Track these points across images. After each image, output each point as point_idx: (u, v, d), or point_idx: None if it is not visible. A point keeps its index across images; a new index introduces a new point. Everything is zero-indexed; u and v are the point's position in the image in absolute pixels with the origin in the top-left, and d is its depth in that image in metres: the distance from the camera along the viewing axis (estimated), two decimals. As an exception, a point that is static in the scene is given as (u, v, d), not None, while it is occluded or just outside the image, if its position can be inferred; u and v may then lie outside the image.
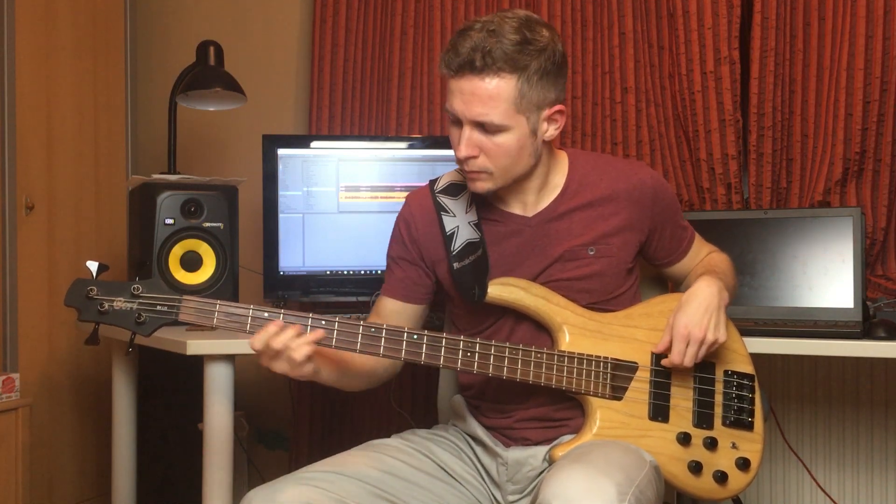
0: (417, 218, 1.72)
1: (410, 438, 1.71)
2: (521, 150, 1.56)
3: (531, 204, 1.67)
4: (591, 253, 1.65)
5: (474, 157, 1.56)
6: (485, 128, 1.53)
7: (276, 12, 3.03)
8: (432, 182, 1.75)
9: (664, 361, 1.61)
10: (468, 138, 1.54)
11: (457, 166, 1.64)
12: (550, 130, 1.59)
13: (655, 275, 1.91)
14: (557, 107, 1.57)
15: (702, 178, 2.48)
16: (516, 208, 1.68)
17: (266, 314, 1.48)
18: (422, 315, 1.75)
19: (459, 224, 1.68)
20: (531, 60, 1.50)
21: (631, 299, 1.72)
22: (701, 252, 1.82)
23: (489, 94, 1.50)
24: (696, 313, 1.57)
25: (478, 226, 1.68)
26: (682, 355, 1.57)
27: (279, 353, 1.44)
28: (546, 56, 1.52)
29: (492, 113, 1.51)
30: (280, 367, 1.46)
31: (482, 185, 1.59)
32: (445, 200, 1.71)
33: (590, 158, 1.72)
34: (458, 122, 1.55)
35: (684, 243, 1.78)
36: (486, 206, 1.69)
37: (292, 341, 1.44)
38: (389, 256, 1.76)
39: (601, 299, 1.67)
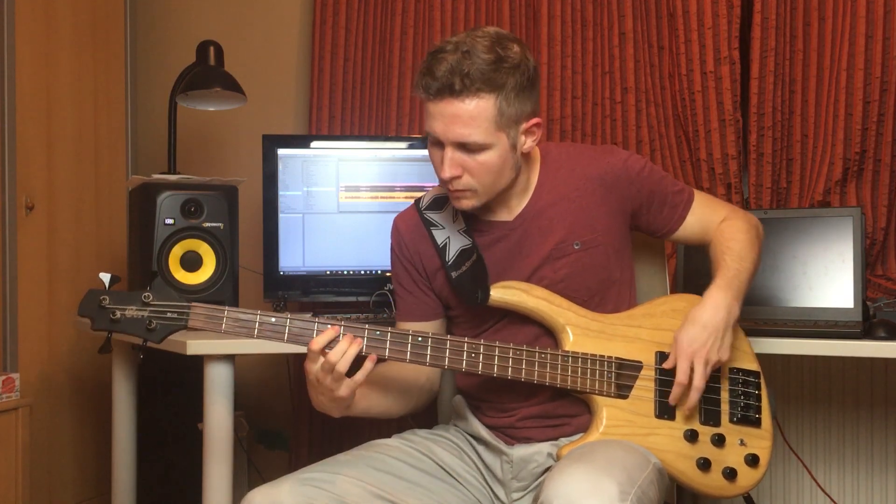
0: (406, 237, 1.74)
1: (411, 438, 1.71)
2: (503, 165, 1.57)
3: (514, 207, 1.68)
4: (578, 247, 1.65)
5: (458, 177, 1.57)
6: (467, 147, 1.54)
7: (276, 12, 3.02)
8: (417, 201, 1.77)
9: (673, 391, 1.60)
10: (451, 159, 1.55)
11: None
12: (528, 143, 1.61)
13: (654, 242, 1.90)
14: (534, 119, 1.59)
15: (702, 178, 2.48)
16: (502, 215, 1.69)
17: (273, 319, 1.49)
18: (440, 332, 1.74)
19: (450, 235, 1.70)
20: (507, 78, 1.52)
21: (629, 283, 1.72)
22: (710, 212, 1.75)
23: (470, 115, 1.51)
24: (701, 334, 1.57)
25: (467, 232, 1.69)
26: (687, 375, 1.57)
27: (333, 364, 1.46)
28: (521, 72, 1.53)
29: (474, 133, 1.52)
30: (327, 382, 1.48)
31: (467, 203, 1.61)
32: (432, 215, 1.73)
33: (561, 150, 1.73)
34: (440, 144, 1.56)
35: (680, 208, 1.73)
36: (470, 217, 1.70)
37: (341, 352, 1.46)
38: (395, 283, 1.77)
39: (599, 291, 1.67)
